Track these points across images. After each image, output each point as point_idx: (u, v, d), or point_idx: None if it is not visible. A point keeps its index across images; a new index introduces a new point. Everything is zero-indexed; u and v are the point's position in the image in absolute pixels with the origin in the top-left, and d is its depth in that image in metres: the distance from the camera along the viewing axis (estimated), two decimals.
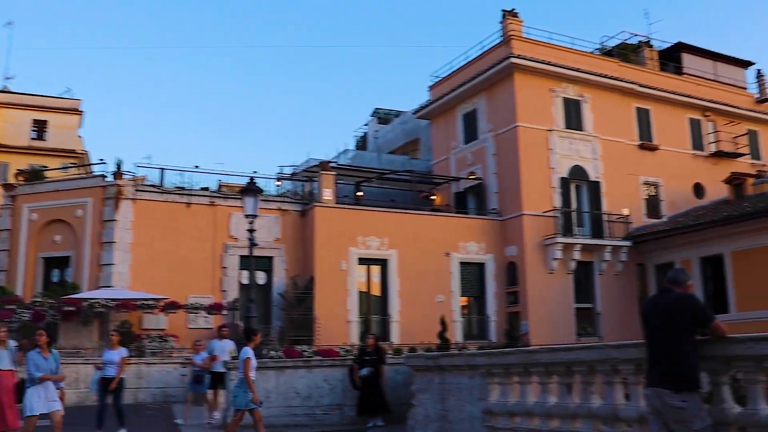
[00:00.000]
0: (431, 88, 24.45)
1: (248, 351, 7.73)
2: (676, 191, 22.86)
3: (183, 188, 18.16)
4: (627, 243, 20.83)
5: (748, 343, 4.24)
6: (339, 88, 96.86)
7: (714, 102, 23.97)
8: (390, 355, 12.38)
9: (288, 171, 23.02)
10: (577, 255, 20.09)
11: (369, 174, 22.31)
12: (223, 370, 10.76)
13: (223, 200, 18.14)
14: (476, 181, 21.70)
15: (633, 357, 5.11)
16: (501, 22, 21.72)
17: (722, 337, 4.33)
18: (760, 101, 25.66)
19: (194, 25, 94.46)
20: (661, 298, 4.35)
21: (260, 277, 17.79)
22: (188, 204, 17.75)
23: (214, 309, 16.54)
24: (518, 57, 20.45)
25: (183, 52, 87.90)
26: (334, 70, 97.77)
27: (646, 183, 22.47)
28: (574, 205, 20.98)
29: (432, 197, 22.95)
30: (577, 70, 21.36)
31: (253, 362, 7.70)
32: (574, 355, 5.87)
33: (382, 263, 19.05)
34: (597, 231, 20.93)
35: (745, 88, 25.85)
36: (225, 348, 11.15)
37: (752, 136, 25.00)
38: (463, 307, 20.08)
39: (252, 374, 7.61)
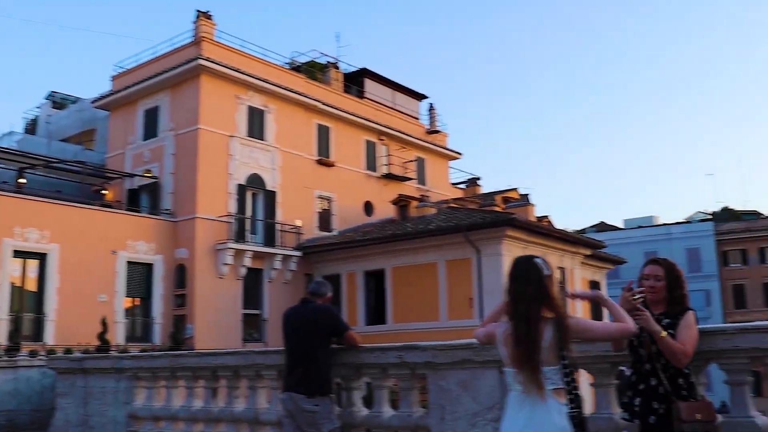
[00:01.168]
0: (114, 78, 29.12)
1: None
2: (348, 207, 31.29)
3: None
4: (297, 253, 28.10)
5: (376, 352, 5.82)
6: (8, 64, 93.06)
7: (389, 128, 33.27)
8: (42, 357, 15.47)
9: None
10: (248, 261, 26.53)
11: (35, 161, 26.04)
12: None
13: None
14: (151, 180, 26.98)
15: (276, 363, 6.39)
16: (194, 22, 27.53)
17: (355, 346, 5.85)
18: (430, 132, 36.19)
19: None
20: (302, 308, 5.83)
21: None
22: None
23: None
24: (207, 60, 26.29)
25: None
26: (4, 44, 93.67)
27: (321, 197, 30.36)
28: (249, 212, 27.59)
29: (103, 192, 27.43)
30: (265, 80, 28.06)
31: None
32: (220, 360, 7.21)
33: (41, 257, 22.89)
34: (269, 239, 27.86)
35: (418, 119, 36.14)
36: None
37: (420, 162, 35.20)
38: (129, 308, 25.01)
39: None
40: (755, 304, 51.94)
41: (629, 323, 3.73)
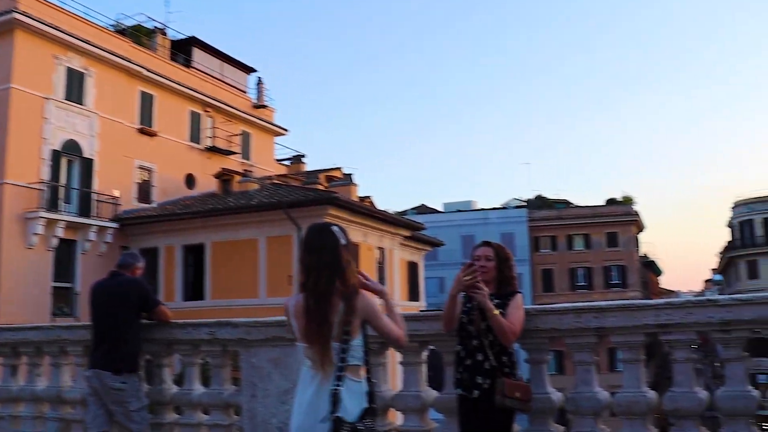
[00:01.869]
0: None
1: None
2: (169, 179, 32.65)
3: None
4: (114, 225, 28.95)
5: (188, 328, 5.99)
6: None
7: (216, 99, 34.91)
8: None
9: None
10: (60, 232, 26.95)
11: None
12: None
13: None
14: None
15: (82, 338, 6.32)
16: None
17: (166, 321, 5.98)
18: (257, 106, 38.29)
19: None
20: (110, 281, 5.86)
21: None
22: None
23: None
24: (23, 14, 26.03)
25: None
26: None
27: (141, 167, 31.47)
28: (63, 180, 28.08)
29: None
30: (86, 41, 28.38)
31: None
32: (21, 335, 7.03)
33: None
34: (85, 209, 28.46)
35: (245, 92, 38.12)
36: None
37: (245, 137, 37.23)
38: None
39: None
40: (562, 287, 58.91)
41: (403, 334, 3.77)
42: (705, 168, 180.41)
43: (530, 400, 4.54)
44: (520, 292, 4.74)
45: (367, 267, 28.42)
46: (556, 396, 4.95)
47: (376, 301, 3.73)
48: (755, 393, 4.54)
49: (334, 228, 3.70)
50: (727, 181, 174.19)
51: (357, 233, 27.95)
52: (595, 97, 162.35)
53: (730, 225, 65.31)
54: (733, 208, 64.15)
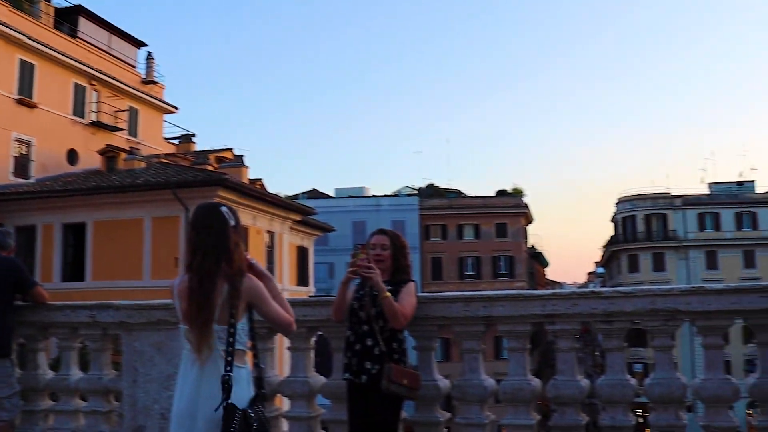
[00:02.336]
0: None
1: None
2: (50, 154, 31.22)
3: None
4: None
5: (66, 311, 5.76)
6: None
7: (102, 73, 33.53)
8: None
9: None
10: None
11: None
12: None
13: None
14: None
15: None
16: None
17: (42, 303, 5.75)
18: (146, 82, 37.09)
19: None
20: None
21: None
22: None
23: None
24: None
25: None
26: None
27: (19, 140, 29.92)
28: None
29: None
30: None
31: None
32: None
33: None
34: None
35: (134, 67, 36.84)
36: None
37: (133, 113, 35.97)
38: None
39: None
40: (450, 276, 60.07)
41: (293, 319, 3.73)
42: (592, 165, 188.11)
43: (418, 388, 4.56)
44: (413, 281, 4.74)
45: (256, 251, 28.11)
46: (444, 383, 5.01)
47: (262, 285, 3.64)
48: (633, 381, 4.73)
49: (223, 208, 3.60)
50: (612, 178, 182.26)
51: (246, 216, 27.55)
52: (487, 90, 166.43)
53: (614, 220, 68.14)
54: (617, 204, 66.89)
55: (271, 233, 30.97)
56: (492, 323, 4.95)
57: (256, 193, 29.69)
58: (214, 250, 3.46)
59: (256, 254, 25.40)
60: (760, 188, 65.54)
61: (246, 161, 34.92)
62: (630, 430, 4.70)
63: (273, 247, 31.28)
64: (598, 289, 4.82)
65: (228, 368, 3.39)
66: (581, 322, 4.79)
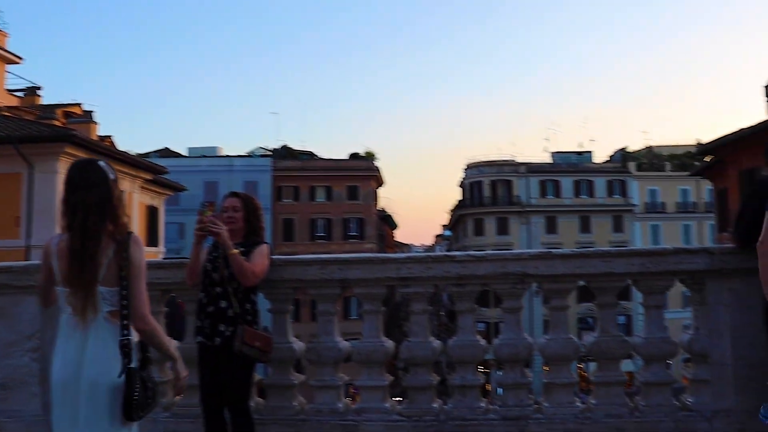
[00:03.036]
0: None
1: None
2: None
3: None
4: None
5: None
6: None
7: None
8: None
9: None
10: None
11: None
12: None
13: None
14: None
15: None
16: None
17: None
18: None
19: None
20: None
21: None
22: None
23: None
24: None
25: None
26: None
27: None
28: None
29: None
30: None
31: None
32: None
33: None
34: None
35: None
36: None
37: None
38: None
39: None
40: (302, 237, 60.00)
41: (146, 314, 3.37)
42: (443, 132, 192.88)
43: (270, 351, 4.52)
44: (267, 243, 4.68)
45: None
46: (298, 345, 5.01)
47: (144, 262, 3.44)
48: (483, 342, 4.87)
49: (101, 163, 3.41)
50: (462, 145, 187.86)
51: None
52: (343, 54, 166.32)
53: (462, 185, 70.19)
54: (465, 170, 68.90)
55: (120, 192, 29.72)
56: (348, 286, 4.95)
57: (105, 150, 28.30)
58: (96, 207, 3.26)
59: None
60: (597, 158, 69.59)
61: (95, 117, 33.06)
62: (478, 389, 4.86)
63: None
64: (452, 253, 4.92)
65: (125, 332, 3.23)
66: (434, 285, 4.87)
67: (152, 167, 33.07)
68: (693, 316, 4.78)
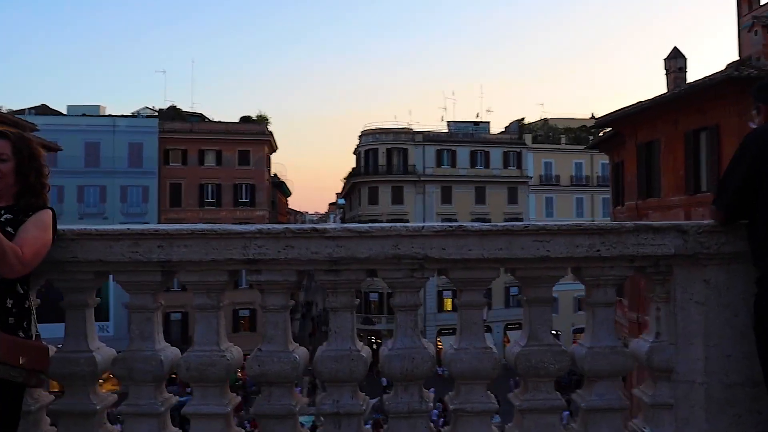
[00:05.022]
0: None
1: None
2: None
3: None
4: None
5: None
6: None
7: None
8: None
9: None
10: None
11: None
12: None
13: None
14: None
15: None
16: None
17: None
18: None
19: None
20: None
21: None
22: None
23: None
24: None
25: None
26: None
27: None
28: None
29: None
30: None
31: None
32: None
33: None
34: None
35: None
36: None
37: None
38: None
39: None
40: (190, 203, 57.34)
41: None
42: (340, 98, 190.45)
43: (44, 369, 3.04)
44: (51, 208, 3.17)
45: None
46: (102, 355, 3.46)
47: None
48: (365, 354, 3.42)
49: None
50: (359, 112, 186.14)
51: None
52: (238, 16, 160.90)
53: (357, 153, 68.73)
54: (360, 137, 67.50)
55: None
56: (172, 270, 3.40)
57: None
58: None
59: None
60: (493, 129, 69.57)
61: None
62: (359, 418, 3.42)
63: None
64: (322, 225, 3.37)
65: None
66: (296, 271, 3.37)
67: (21, 124, 30.40)
68: (653, 317, 3.48)
